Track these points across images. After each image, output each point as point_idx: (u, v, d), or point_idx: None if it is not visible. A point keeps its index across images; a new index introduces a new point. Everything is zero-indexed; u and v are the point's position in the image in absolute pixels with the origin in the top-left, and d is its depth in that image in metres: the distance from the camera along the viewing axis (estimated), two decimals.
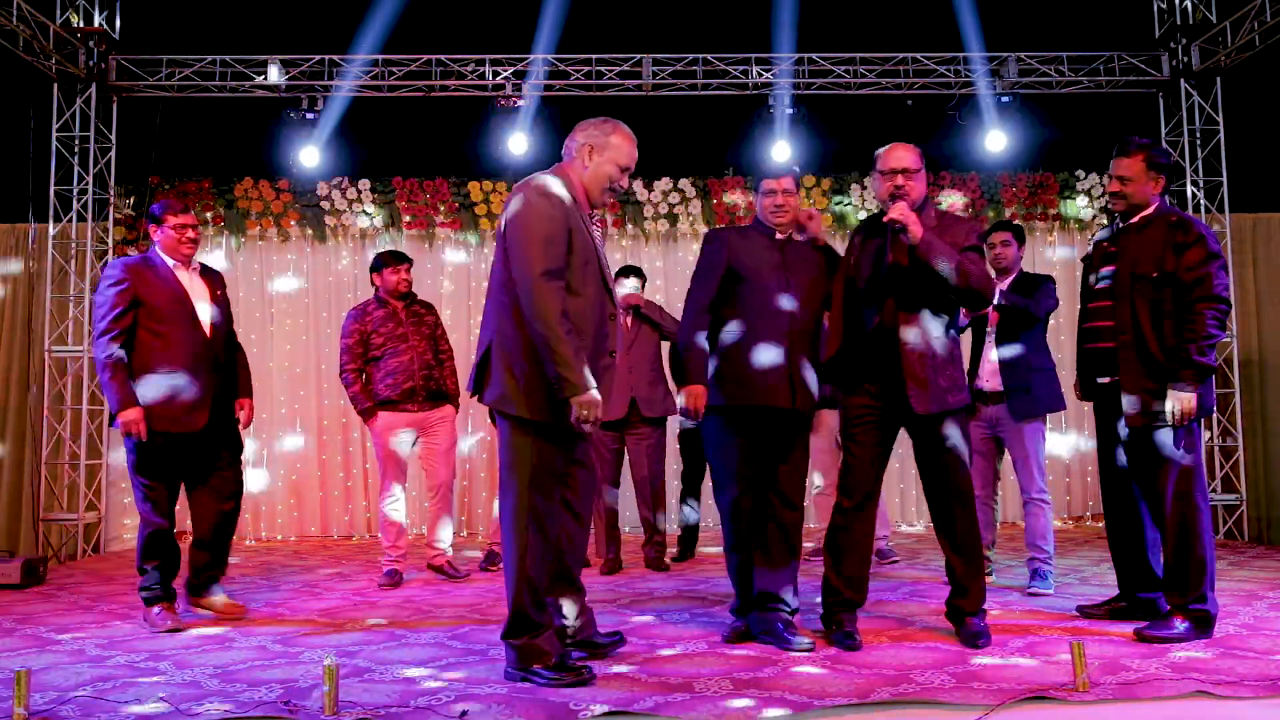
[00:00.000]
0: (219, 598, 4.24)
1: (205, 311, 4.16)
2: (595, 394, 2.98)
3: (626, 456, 5.65)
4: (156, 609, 4.05)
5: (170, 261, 4.15)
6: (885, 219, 3.43)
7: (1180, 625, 3.49)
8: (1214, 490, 6.96)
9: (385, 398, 5.07)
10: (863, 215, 7.81)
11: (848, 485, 3.58)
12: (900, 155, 3.58)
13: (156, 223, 4.17)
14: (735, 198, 7.74)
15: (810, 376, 3.63)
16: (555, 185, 3.12)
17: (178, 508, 4.21)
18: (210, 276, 4.29)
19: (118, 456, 7.34)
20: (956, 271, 3.38)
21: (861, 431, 3.56)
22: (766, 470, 3.64)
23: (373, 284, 5.32)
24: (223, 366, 4.21)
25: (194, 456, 4.12)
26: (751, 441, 3.61)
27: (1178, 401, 3.50)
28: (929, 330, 3.47)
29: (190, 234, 4.17)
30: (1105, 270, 3.79)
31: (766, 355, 3.55)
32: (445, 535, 5.24)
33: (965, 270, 3.40)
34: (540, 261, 2.98)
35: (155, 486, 4.03)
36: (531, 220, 3.04)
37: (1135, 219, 3.75)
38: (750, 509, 3.61)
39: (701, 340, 3.60)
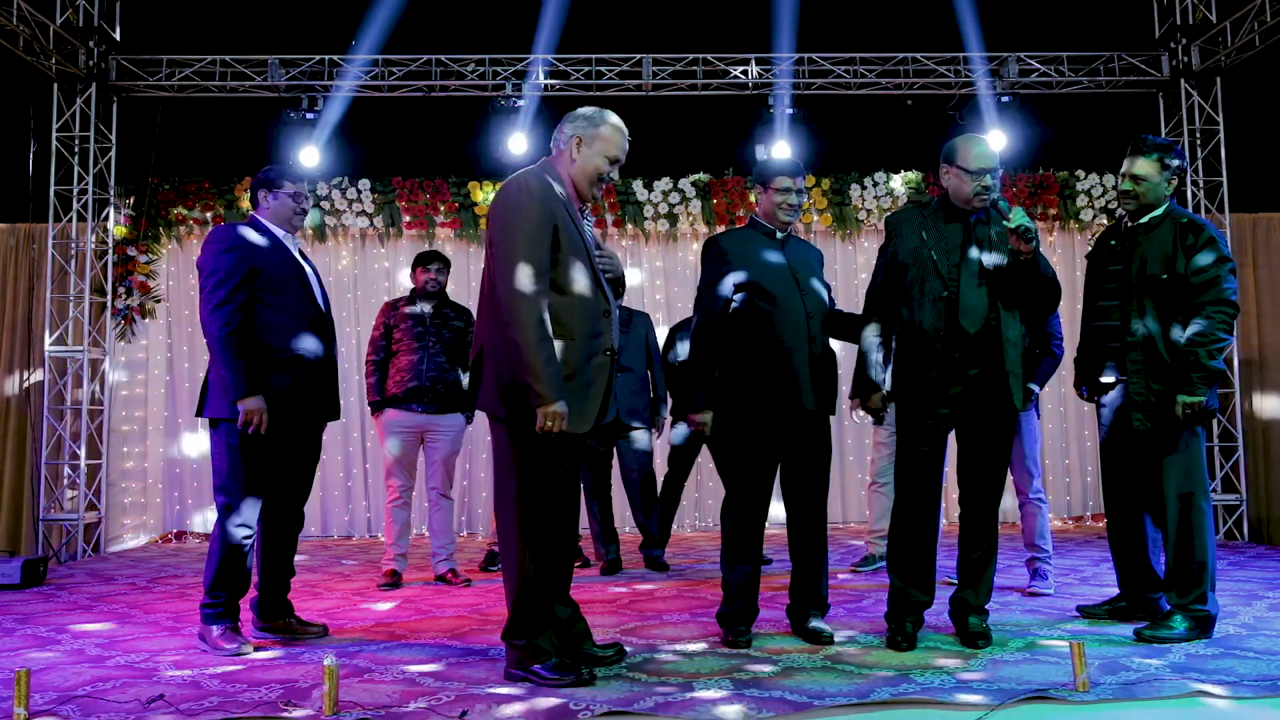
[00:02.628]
0: (293, 618, 3.86)
1: (317, 289, 3.80)
2: (561, 406, 2.93)
3: (616, 460, 5.66)
4: (218, 629, 3.57)
5: (279, 231, 3.77)
6: (1014, 225, 3.32)
7: (1180, 625, 3.49)
8: (1214, 490, 6.96)
9: (390, 394, 5.08)
10: (862, 215, 7.80)
11: (915, 486, 3.53)
12: (991, 153, 3.49)
13: (270, 188, 3.78)
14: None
15: (828, 376, 3.64)
16: (539, 181, 3.07)
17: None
18: (308, 259, 3.92)
19: (118, 457, 7.35)
20: (1052, 280, 3.47)
21: (934, 432, 3.51)
22: (793, 473, 3.64)
23: (412, 281, 5.34)
24: (334, 351, 3.84)
25: (298, 449, 3.75)
26: (775, 449, 3.60)
27: (1188, 406, 3.50)
28: (1020, 329, 3.51)
29: (305, 204, 3.83)
30: (1113, 270, 3.77)
31: (788, 359, 3.54)
32: (444, 544, 5.22)
33: (1056, 279, 3.51)
34: (520, 264, 2.94)
35: (255, 489, 3.57)
36: (511, 220, 3.00)
37: (1145, 219, 3.74)
38: (763, 517, 3.62)
39: (711, 361, 3.58)
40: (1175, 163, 3.71)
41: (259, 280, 3.60)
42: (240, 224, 3.76)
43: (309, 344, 3.67)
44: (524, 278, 2.94)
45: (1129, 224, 3.80)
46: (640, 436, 5.57)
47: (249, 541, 3.60)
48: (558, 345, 2.99)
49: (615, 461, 5.71)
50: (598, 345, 3.10)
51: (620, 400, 5.40)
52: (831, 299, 3.81)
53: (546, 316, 2.96)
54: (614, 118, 3.21)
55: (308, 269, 3.83)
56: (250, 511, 3.60)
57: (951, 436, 3.60)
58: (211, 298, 3.55)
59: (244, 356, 3.50)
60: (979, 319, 3.42)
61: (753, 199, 3.82)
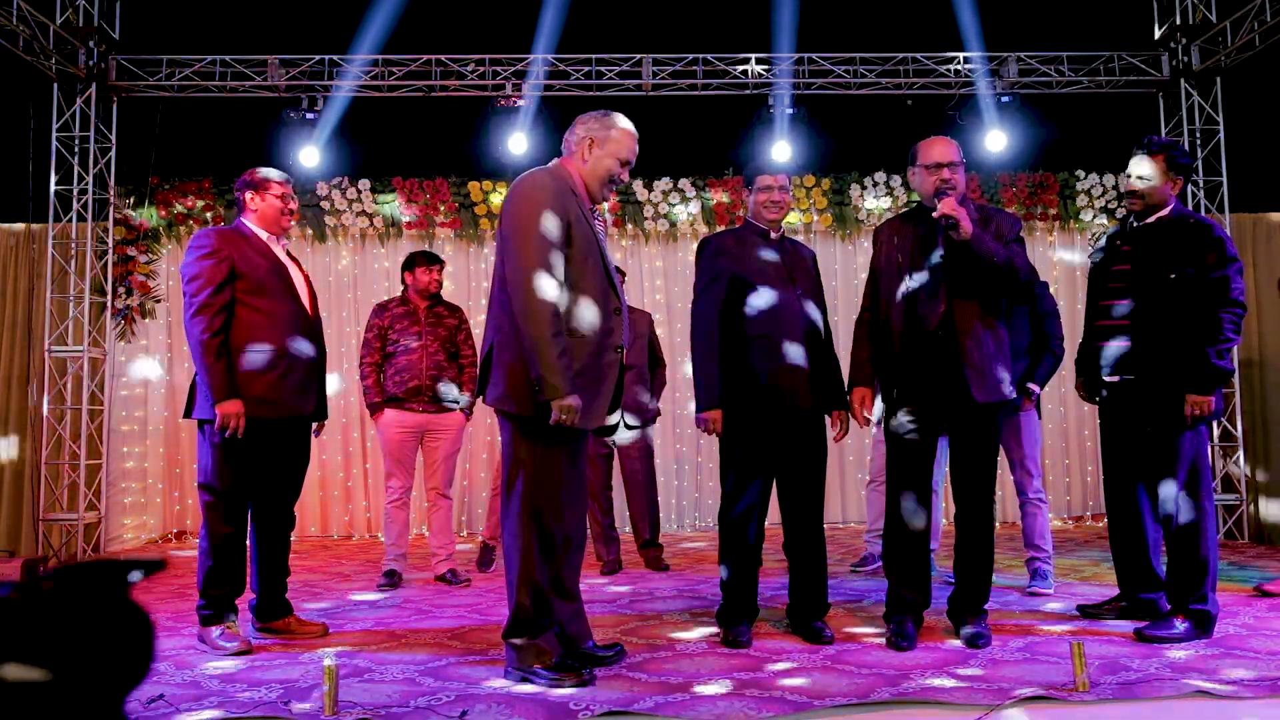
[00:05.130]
0: (292, 618, 3.87)
1: (303, 291, 3.80)
2: (575, 400, 2.95)
3: (616, 459, 5.66)
4: (218, 629, 3.58)
5: (264, 234, 3.77)
6: (936, 214, 3.38)
7: (1180, 625, 3.48)
8: (1214, 490, 6.96)
9: (391, 394, 5.08)
10: (862, 215, 7.81)
11: (902, 485, 3.54)
12: (944, 149, 3.54)
13: (257, 189, 3.78)
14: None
15: (826, 375, 3.64)
16: (553, 178, 3.10)
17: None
18: (294, 258, 3.91)
19: (118, 457, 7.35)
20: (1005, 266, 3.41)
21: (913, 430, 3.53)
22: (790, 472, 3.64)
23: (403, 281, 5.32)
24: (322, 351, 3.87)
25: (283, 450, 3.74)
26: (772, 447, 3.61)
27: (1195, 405, 3.50)
28: (983, 322, 3.47)
29: (291, 204, 3.82)
30: (1118, 269, 3.77)
31: (783, 358, 3.55)
32: (443, 543, 5.23)
33: (1013, 265, 3.43)
34: (535, 259, 2.96)
35: (239, 487, 3.60)
36: (526, 217, 3.01)
37: (1151, 219, 3.73)
38: (762, 516, 3.63)
39: (716, 363, 3.59)
40: (1181, 162, 3.71)
41: (241, 283, 3.61)
42: (223, 227, 3.77)
43: (293, 346, 3.67)
44: (539, 272, 2.95)
45: (1134, 224, 3.79)
46: (639, 435, 5.57)
47: (237, 540, 3.63)
48: (574, 341, 3.01)
49: (615, 461, 5.71)
50: (609, 342, 3.13)
51: (626, 398, 5.41)
52: (825, 301, 3.82)
53: (560, 311, 2.97)
54: (625, 120, 3.24)
55: (294, 271, 3.83)
56: (235, 510, 3.62)
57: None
58: (193, 302, 3.56)
59: (223, 360, 3.52)
60: (935, 315, 3.44)
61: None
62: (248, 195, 3.81)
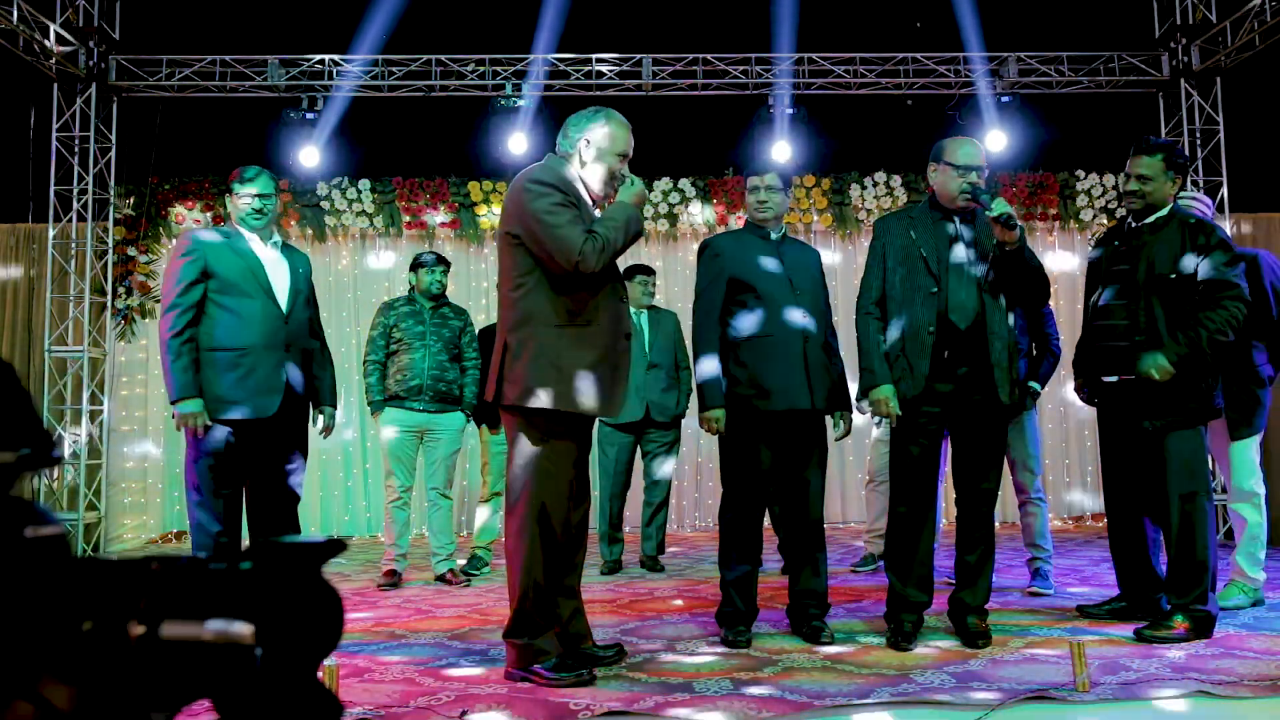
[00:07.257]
0: None
1: (284, 289, 3.72)
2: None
3: (639, 458, 5.64)
4: None
5: (245, 233, 3.73)
6: (1001, 214, 3.31)
7: (1180, 625, 3.48)
8: (1215, 490, 6.95)
9: (392, 393, 5.09)
10: (862, 215, 7.81)
11: (910, 486, 3.52)
12: (978, 152, 3.54)
13: (230, 190, 3.77)
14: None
15: (825, 375, 3.64)
16: (556, 173, 3.11)
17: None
18: (293, 256, 3.85)
19: (118, 457, 7.35)
20: (1039, 269, 3.47)
21: (927, 432, 3.50)
22: (790, 472, 3.64)
23: (409, 281, 5.35)
24: (301, 354, 3.77)
25: (262, 452, 3.66)
26: (771, 448, 3.61)
27: (1157, 368, 3.48)
28: (1009, 321, 3.49)
29: (253, 203, 3.72)
30: (1117, 269, 3.77)
31: (782, 358, 3.55)
32: (443, 545, 5.23)
33: (1043, 268, 3.50)
34: (567, 229, 2.97)
35: (217, 488, 3.57)
36: (542, 198, 3.02)
37: (1150, 219, 3.73)
38: (761, 516, 3.63)
39: (716, 363, 3.59)
40: (1179, 162, 3.71)
41: (213, 282, 3.59)
42: (207, 228, 3.78)
43: (258, 345, 3.60)
44: (575, 237, 2.95)
45: (1133, 224, 3.79)
46: (662, 435, 5.52)
47: (216, 535, 3.60)
48: (589, 330, 3.04)
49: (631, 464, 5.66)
50: (620, 330, 3.15)
51: (650, 397, 5.39)
52: (828, 301, 3.81)
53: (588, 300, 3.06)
54: (618, 115, 3.24)
55: (279, 269, 3.75)
56: (219, 508, 3.60)
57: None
58: (164, 304, 3.60)
59: (183, 359, 3.52)
60: (968, 315, 3.43)
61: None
62: (227, 195, 3.85)
